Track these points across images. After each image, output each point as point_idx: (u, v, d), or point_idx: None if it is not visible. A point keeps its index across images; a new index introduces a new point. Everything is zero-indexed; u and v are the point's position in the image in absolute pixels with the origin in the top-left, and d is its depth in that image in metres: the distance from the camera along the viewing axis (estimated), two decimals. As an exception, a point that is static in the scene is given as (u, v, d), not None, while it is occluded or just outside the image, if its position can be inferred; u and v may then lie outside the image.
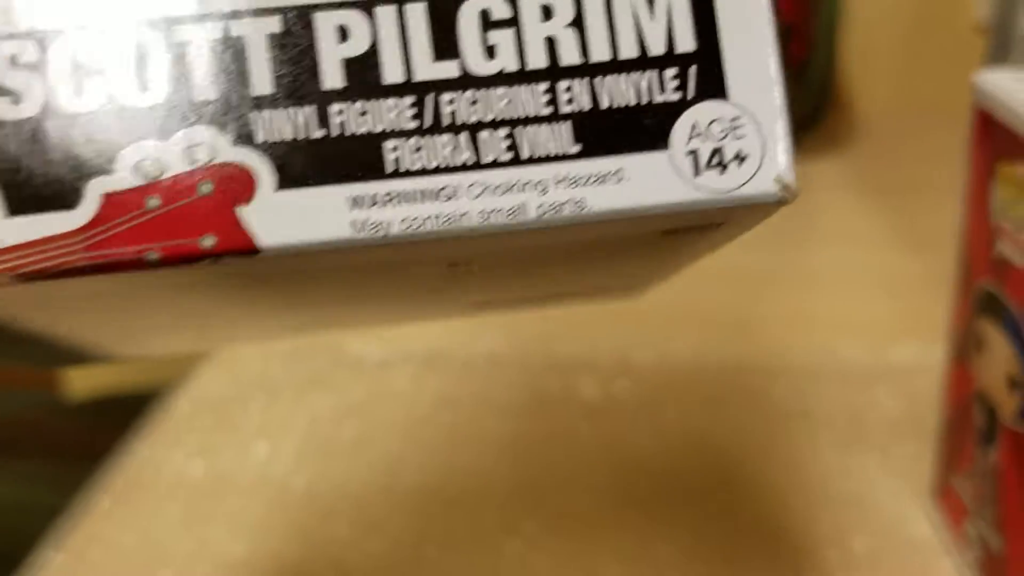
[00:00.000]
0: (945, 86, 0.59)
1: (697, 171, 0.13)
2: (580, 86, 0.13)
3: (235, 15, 0.13)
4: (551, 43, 0.13)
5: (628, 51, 0.13)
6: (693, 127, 0.13)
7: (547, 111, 0.13)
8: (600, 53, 0.13)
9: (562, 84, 0.13)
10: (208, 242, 0.12)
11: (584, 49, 0.13)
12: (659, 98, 0.13)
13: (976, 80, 0.28)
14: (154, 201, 0.12)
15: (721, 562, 0.33)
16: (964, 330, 0.30)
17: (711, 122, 0.13)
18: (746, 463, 0.37)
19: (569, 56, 0.13)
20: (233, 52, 0.13)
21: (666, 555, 0.33)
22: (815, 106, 0.67)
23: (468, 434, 0.40)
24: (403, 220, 0.13)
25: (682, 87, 0.13)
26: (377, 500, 0.37)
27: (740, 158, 0.13)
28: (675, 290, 0.32)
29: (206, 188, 0.12)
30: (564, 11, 0.13)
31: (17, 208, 0.12)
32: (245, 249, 0.13)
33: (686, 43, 0.13)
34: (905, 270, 0.50)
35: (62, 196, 0.12)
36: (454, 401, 0.42)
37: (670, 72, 0.13)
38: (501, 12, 0.13)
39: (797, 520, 0.34)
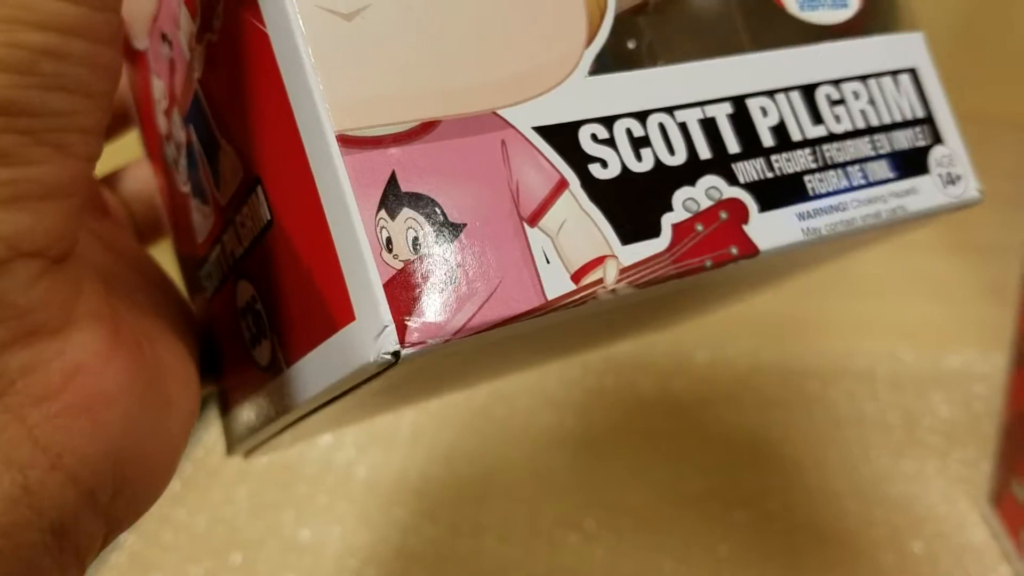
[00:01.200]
0: (1000, 96, 0.59)
1: (944, 186, 0.21)
2: (884, 138, 0.21)
3: (706, 103, 0.19)
4: (864, 114, 0.21)
5: (897, 116, 0.21)
6: (936, 160, 0.22)
7: (873, 153, 0.21)
8: (885, 118, 0.21)
9: (875, 136, 0.21)
10: (734, 250, 0.18)
11: (878, 115, 0.21)
12: (918, 143, 0.21)
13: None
14: (700, 227, 0.18)
15: (777, 564, 0.34)
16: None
17: (941, 157, 0.22)
18: (801, 465, 0.38)
19: (873, 120, 0.21)
20: (711, 126, 0.19)
21: (722, 553, 0.34)
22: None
23: (524, 428, 0.40)
24: (826, 225, 0.19)
25: (924, 137, 0.22)
26: (434, 490, 0.38)
27: (958, 177, 0.22)
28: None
29: (724, 215, 0.18)
30: (862, 94, 0.21)
31: (626, 240, 0.17)
32: (753, 253, 0.18)
33: (918, 111, 0.22)
34: (959, 278, 0.49)
35: (650, 228, 0.18)
36: (510, 395, 0.42)
37: (918, 129, 0.22)
38: (834, 95, 0.21)
39: (853, 522, 0.35)
